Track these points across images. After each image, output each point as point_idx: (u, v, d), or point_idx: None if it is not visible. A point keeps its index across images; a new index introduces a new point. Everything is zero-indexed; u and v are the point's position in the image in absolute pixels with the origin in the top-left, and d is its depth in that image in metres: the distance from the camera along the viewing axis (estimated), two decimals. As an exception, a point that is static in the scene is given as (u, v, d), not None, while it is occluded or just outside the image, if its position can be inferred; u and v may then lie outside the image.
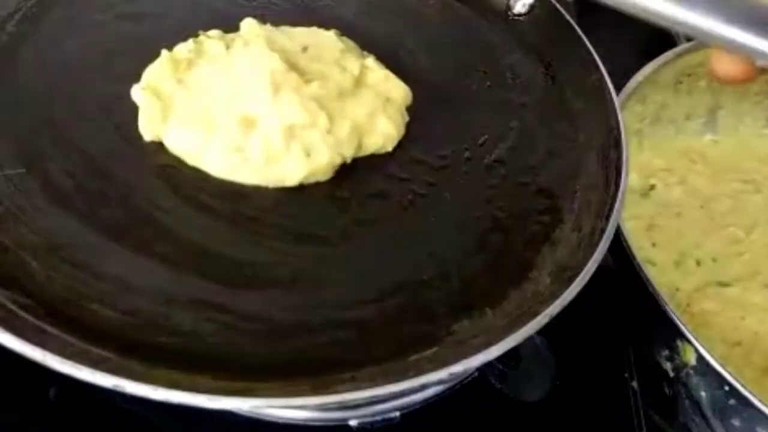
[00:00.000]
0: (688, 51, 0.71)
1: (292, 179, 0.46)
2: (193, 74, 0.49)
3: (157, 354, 0.36)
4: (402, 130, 0.51)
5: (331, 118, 0.47)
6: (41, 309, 0.37)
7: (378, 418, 0.46)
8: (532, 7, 0.60)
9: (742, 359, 0.59)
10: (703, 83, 0.75)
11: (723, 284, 0.64)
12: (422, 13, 0.61)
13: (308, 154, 0.46)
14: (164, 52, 0.49)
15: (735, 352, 0.59)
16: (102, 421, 0.48)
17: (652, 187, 0.71)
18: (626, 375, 0.56)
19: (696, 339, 0.51)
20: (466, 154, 0.50)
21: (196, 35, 0.51)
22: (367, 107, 0.50)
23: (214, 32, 0.52)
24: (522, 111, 0.54)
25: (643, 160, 0.73)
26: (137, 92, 0.48)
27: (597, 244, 0.43)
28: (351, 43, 0.54)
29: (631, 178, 0.69)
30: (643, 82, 0.69)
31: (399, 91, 0.52)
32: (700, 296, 0.63)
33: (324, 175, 0.47)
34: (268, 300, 0.40)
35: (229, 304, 0.39)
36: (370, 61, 0.53)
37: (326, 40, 0.53)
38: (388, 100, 0.51)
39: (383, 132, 0.49)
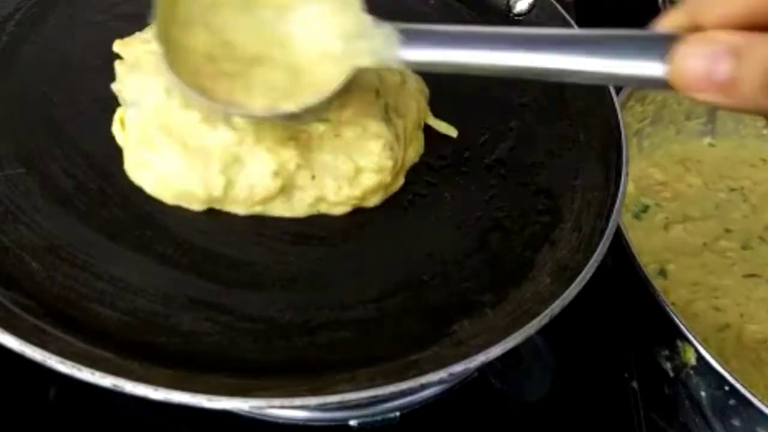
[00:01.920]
0: (688, 51, 0.71)
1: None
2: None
3: (156, 354, 0.36)
4: (421, 152, 0.49)
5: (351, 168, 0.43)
6: (41, 309, 0.37)
7: (378, 418, 0.46)
8: (532, 6, 0.60)
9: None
10: (703, 83, 0.75)
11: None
12: (422, 13, 0.60)
13: (316, 208, 0.44)
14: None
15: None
16: (102, 421, 0.48)
17: (645, 208, 0.72)
18: (626, 375, 0.56)
19: (696, 339, 0.51)
20: (466, 154, 0.50)
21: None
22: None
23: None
24: (522, 111, 0.54)
25: (637, 173, 0.74)
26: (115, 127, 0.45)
27: (597, 244, 0.43)
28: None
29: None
30: (643, 83, 0.69)
31: (423, 110, 0.50)
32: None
33: None
34: (268, 300, 0.40)
35: (229, 304, 0.39)
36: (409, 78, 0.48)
37: None
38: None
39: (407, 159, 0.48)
